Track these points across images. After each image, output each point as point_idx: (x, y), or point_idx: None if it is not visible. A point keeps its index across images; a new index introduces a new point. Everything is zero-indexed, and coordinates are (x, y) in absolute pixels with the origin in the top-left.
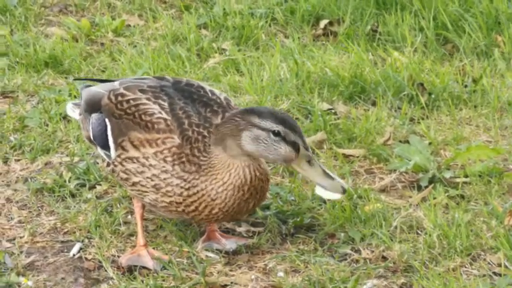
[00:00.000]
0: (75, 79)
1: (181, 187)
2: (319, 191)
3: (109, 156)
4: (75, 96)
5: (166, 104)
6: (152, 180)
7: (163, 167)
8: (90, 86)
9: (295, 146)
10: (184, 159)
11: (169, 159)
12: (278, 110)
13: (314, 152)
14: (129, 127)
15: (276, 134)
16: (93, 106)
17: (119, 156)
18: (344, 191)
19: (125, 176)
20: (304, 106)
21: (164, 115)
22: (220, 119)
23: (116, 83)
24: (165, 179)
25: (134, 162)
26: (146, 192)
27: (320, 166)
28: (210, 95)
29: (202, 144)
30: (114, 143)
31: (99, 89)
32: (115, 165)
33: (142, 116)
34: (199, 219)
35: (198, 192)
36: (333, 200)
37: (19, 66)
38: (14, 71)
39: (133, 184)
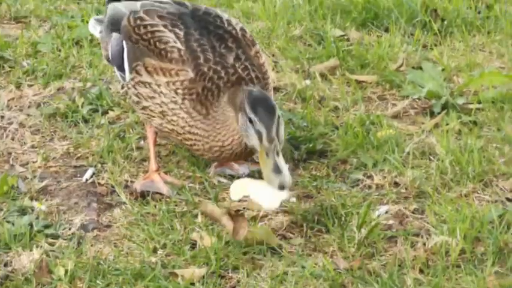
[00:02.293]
0: None
1: (186, 122)
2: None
3: (124, 78)
4: (87, 22)
5: (181, 34)
6: (161, 106)
7: (174, 97)
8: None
9: (259, 135)
10: (194, 95)
11: (180, 91)
12: (266, 97)
13: (326, 78)
14: (144, 53)
15: (250, 121)
16: (114, 25)
17: (132, 79)
18: (281, 187)
19: (136, 99)
20: (316, 32)
21: (178, 45)
22: (233, 58)
23: (138, 5)
24: (172, 109)
25: (146, 87)
26: (154, 117)
27: (274, 160)
28: (226, 25)
29: (215, 87)
30: (129, 66)
31: (122, 7)
32: (128, 88)
33: (157, 44)
34: (192, 153)
35: (196, 134)
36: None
37: None
38: None
39: (143, 108)
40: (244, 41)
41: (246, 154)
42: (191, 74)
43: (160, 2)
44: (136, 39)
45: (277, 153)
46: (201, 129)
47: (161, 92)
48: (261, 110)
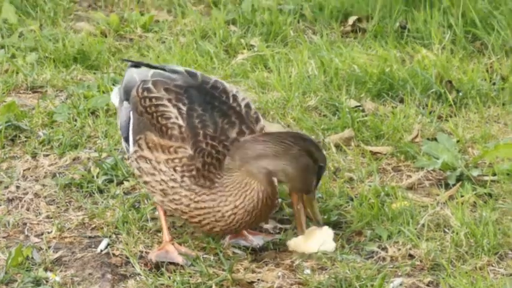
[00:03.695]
0: (124, 60)
1: (190, 199)
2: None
3: (128, 150)
4: (103, 92)
5: (184, 109)
6: (161, 184)
7: (172, 175)
8: (136, 65)
9: (317, 181)
10: (194, 172)
11: (179, 169)
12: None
13: (341, 149)
14: (147, 126)
15: (320, 168)
16: (127, 93)
17: (135, 152)
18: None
19: (138, 173)
20: (332, 103)
21: (180, 121)
22: (236, 132)
23: (150, 73)
24: (173, 187)
25: (147, 163)
26: (155, 193)
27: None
28: (231, 101)
29: (216, 160)
30: (133, 138)
31: (136, 75)
32: (131, 161)
33: (159, 119)
34: (200, 230)
35: (205, 208)
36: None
37: (48, 61)
38: (42, 66)
39: (145, 182)
40: (247, 118)
41: (260, 215)
42: (190, 151)
43: (174, 71)
44: (141, 111)
45: None
46: (208, 201)
47: (161, 170)
48: (325, 160)
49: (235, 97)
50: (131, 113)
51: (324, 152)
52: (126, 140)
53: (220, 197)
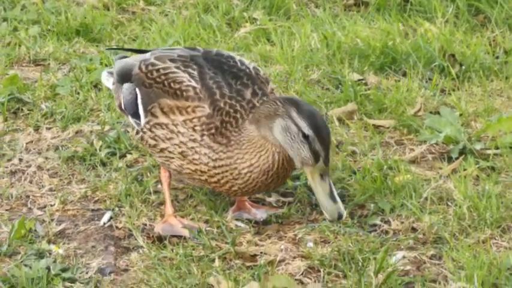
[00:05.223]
0: (107, 48)
1: (209, 157)
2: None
3: (138, 124)
4: (106, 65)
5: (195, 73)
6: (180, 147)
7: (192, 135)
8: (124, 57)
9: (316, 155)
10: (213, 130)
11: (198, 128)
12: (318, 113)
13: (344, 122)
14: (159, 95)
15: (305, 136)
16: (124, 76)
17: (147, 122)
18: (340, 217)
19: (153, 142)
20: (334, 76)
21: (193, 83)
22: (250, 93)
23: (148, 54)
24: (192, 147)
25: (163, 128)
26: (173, 158)
27: (330, 185)
28: (239, 65)
29: (233, 119)
30: (143, 110)
31: (130, 59)
32: (144, 132)
33: (172, 84)
34: (219, 191)
35: (222, 166)
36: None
37: (50, 34)
38: (45, 39)
39: (161, 150)
40: (258, 78)
41: (277, 177)
42: (208, 110)
43: (171, 49)
44: (149, 83)
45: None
46: (225, 159)
47: (179, 132)
48: (320, 128)
49: (241, 61)
50: (136, 89)
51: (318, 120)
52: (134, 115)
53: (237, 154)
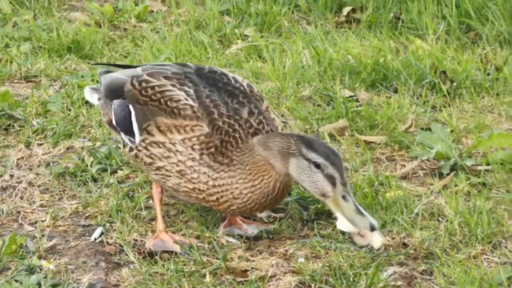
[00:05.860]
0: (94, 64)
1: (209, 176)
2: (341, 225)
3: (132, 142)
4: (97, 81)
5: (191, 91)
6: (177, 165)
7: (191, 154)
8: (108, 71)
9: (331, 180)
10: (213, 149)
11: (197, 147)
12: (326, 143)
13: (335, 138)
14: (155, 113)
15: (317, 166)
16: (114, 92)
17: (143, 140)
18: (373, 229)
19: (149, 160)
20: (326, 93)
21: (190, 102)
22: (247, 112)
23: (138, 69)
24: (191, 166)
25: (160, 147)
26: (169, 176)
27: (354, 202)
28: (233, 82)
29: (233, 139)
30: (138, 128)
31: (120, 75)
32: (139, 150)
33: (168, 102)
34: (217, 209)
35: (223, 185)
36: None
37: (42, 50)
38: (37, 56)
39: (158, 168)
40: (253, 96)
41: (275, 201)
42: (207, 129)
43: (162, 65)
44: (144, 101)
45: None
46: (226, 178)
47: (177, 151)
48: (327, 153)
49: (235, 78)
50: (130, 106)
51: (326, 148)
52: (128, 132)
53: (240, 174)
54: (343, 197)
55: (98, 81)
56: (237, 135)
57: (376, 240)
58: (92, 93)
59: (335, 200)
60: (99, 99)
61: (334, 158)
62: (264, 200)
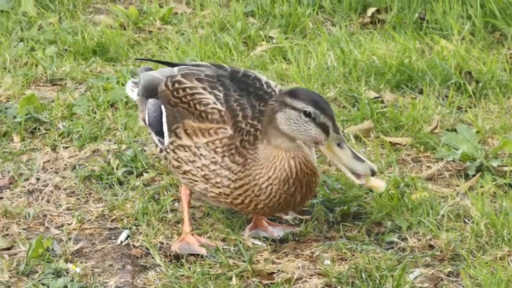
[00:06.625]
0: (137, 59)
1: (229, 178)
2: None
3: (162, 143)
4: (122, 84)
5: (221, 95)
6: (202, 170)
7: (213, 157)
8: (149, 68)
9: (324, 128)
10: (233, 150)
11: (219, 150)
12: (311, 91)
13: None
14: (184, 115)
15: (307, 114)
16: (150, 91)
17: (171, 143)
18: (373, 173)
19: (176, 163)
20: (351, 94)
21: (219, 106)
22: None
23: (175, 69)
24: (214, 170)
25: (186, 151)
26: (196, 181)
27: (350, 149)
28: (265, 87)
29: (253, 137)
30: (168, 129)
31: (157, 74)
32: (167, 152)
33: (197, 106)
34: (247, 211)
35: (242, 186)
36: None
37: (67, 53)
38: (62, 59)
39: (185, 172)
40: None
41: (300, 183)
42: (230, 131)
43: (198, 66)
44: (175, 102)
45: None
46: (244, 178)
47: (201, 155)
48: (318, 102)
49: (268, 83)
50: (162, 106)
51: (313, 95)
52: (159, 133)
53: (255, 171)
54: (338, 145)
55: (123, 84)
56: (258, 134)
57: (380, 183)
58: (133, 88)
59: (330, 148)
60: (138, 95)
61: (324, 105)
62: (287, 186)
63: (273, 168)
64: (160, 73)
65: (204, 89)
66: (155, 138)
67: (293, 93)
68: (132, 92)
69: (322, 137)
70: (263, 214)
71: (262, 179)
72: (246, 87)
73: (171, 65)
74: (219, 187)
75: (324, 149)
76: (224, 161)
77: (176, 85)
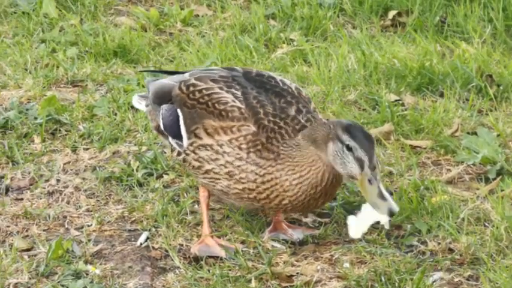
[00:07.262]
0: (141, 70)
1: (256, 173)
2: (353, 233)
3: (181, 146)
4: (143, 86)
5: (239, 93)
6: (226, 167)
7: (238, 154)
8: (156, 79)
9: (360, 162)
10: (260, 146)
11: (244, 146)
12: (362, 127)
13: (381, 142)
14: (203, 116)
15: (349, 148)
16: (162, 97)
17: (191, 144)
18: (391, 214)
19: (197, 164)
20: (371, 97)
21: (238, 103)
22: (294, 110)
23: (186, 75)
24: (239, 166)
25: (208, 150)
26: (219, 179)
27: (378, 187)
28: (281, 84)
29: (279, 135)
30: (186, 131)
31: (168, 80)
32: (187, 154)
33: (216, 105)
34: (269, 207)
35: (271, 180)
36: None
37: (88, 55)
38: (83, 60)
39: (206, 172)
40: (301, 97)
41: (325, 193)
42: (253, 128)
43: (209, 70)
44: (192, 104)
45: (379, 181)
46: (274, 172)
47: (224, 152)
48: (360, 137)
49: (283, 81)
50: (178, 110)
51: (360, 132)
52: (176, 136)
53: (288, 166)
54: (369, 181)
55: (144, 86)
56: (283, 132)
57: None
58: (140, 101)
59: (361, 183)
60: (147, 105)
61: (365, 141)
62: (314, 191)
63: (307, 169)
64: (170, 79)
65: (221, 88)
66: (172, 141)
67: (346, 127)
68: (140, 104)
69: (356, 171)
70: (284, 211)
71: (294, 176)
72: (263, 85)
73: (177, 73)
74: (243, 182)
75: (357, 182)
76: (250, 157)
77: (191, 88)
